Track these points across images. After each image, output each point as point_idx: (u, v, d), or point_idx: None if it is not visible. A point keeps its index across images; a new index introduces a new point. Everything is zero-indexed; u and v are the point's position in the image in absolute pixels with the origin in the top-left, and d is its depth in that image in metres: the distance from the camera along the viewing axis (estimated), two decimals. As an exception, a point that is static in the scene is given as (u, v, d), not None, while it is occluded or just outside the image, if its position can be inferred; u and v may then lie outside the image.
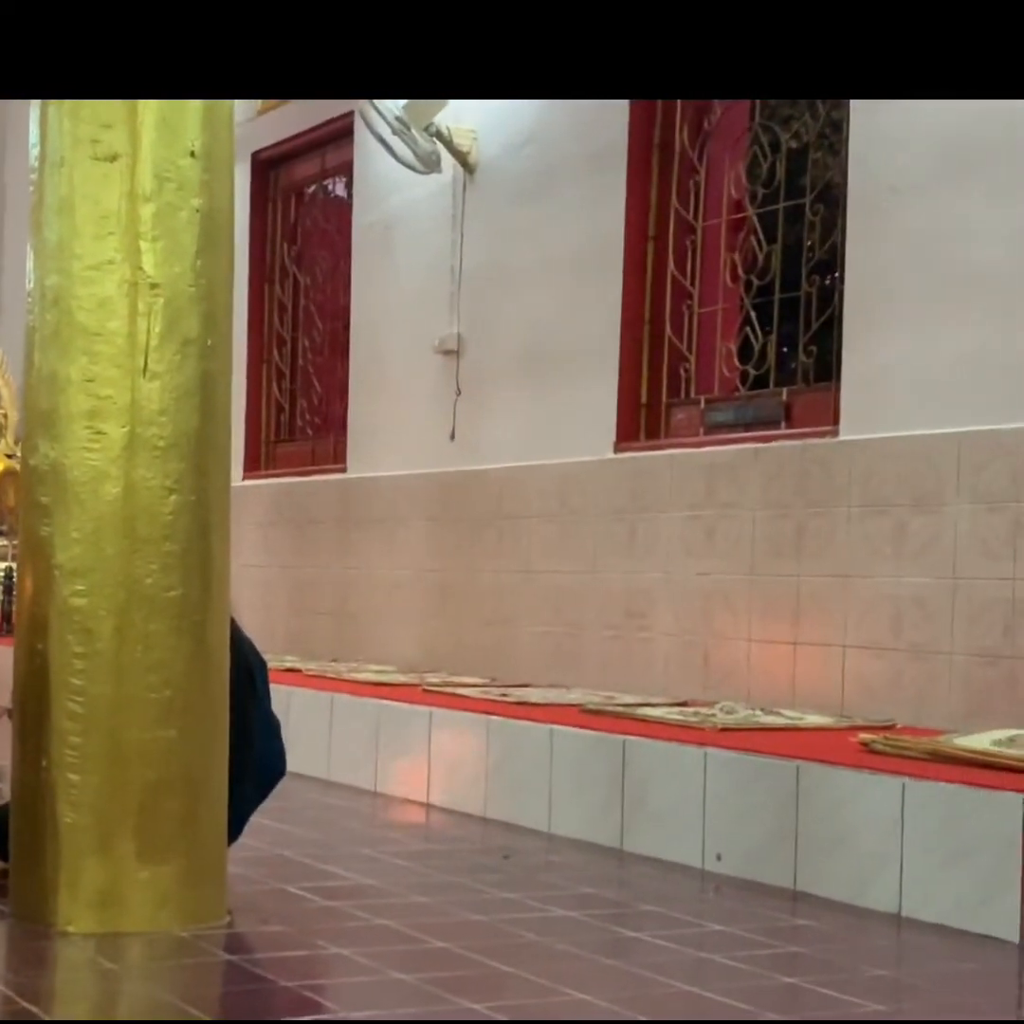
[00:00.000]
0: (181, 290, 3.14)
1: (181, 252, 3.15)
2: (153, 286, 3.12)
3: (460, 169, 6.51)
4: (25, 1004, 2.47)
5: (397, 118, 6.33)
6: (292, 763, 5.29)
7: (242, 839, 3.43)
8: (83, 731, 3.01)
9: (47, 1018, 2.41)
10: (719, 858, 3.71)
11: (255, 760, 3.32)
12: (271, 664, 6.14)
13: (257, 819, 4.05)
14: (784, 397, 5.30)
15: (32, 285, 3.20)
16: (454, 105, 6.37)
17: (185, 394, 3.14)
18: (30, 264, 3.22)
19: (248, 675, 3.40)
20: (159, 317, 3.12)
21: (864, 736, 3.85)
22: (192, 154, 3.15)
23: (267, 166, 8.07)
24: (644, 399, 5.78)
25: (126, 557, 3.07)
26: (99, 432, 3.09)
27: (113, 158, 3.10)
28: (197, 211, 3.16)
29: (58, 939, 2.89)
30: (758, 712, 4.57)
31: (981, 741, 3.68)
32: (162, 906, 3.00)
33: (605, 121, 5.76)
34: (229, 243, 3.31)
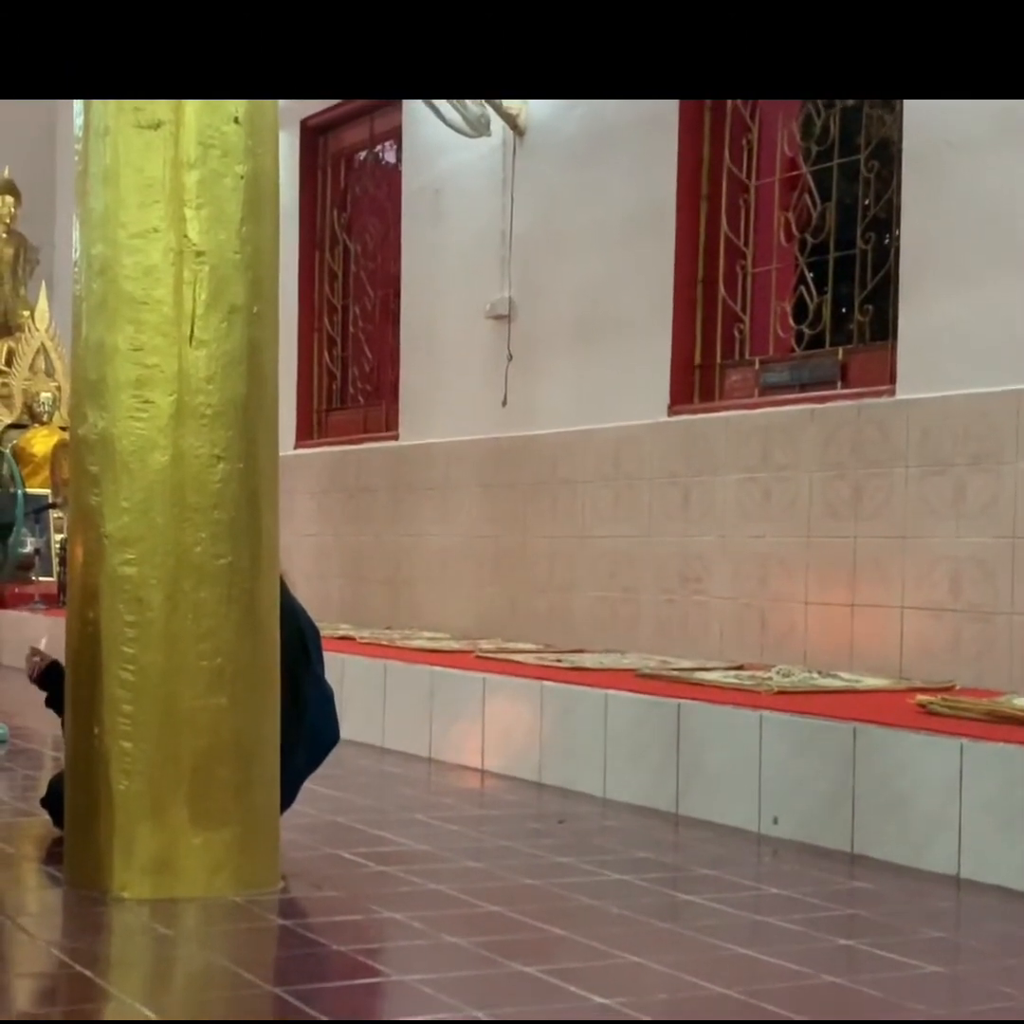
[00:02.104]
0: (226, 257, 3.13)
1: (226, 219, 3.13)
2: (198, 254, 3.10)
3: (510, 132, 6.46)
4: (80, 968, 2.49)
5: (445, 82, 6.28)
6: (346, 731, 5.30)
7: (296, 806, 3.44)
8: (135, 699, 3.02)
9: (102, 983, 2.42)
10: (776, 821, 3.67)
11: (308, 728, 3.32)
12: (325, 633, 6.14)
13: (311, 786, 4.06)
14: (840, 357, 5.23)
15: (78, 255, 3.20)
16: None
17: (232, 362, 3.13)
18: (76, 234, 3.21)
19: (301, 643, 3.40)
20: (205, 285, 3.11)
21: (922, 698, 3.80)
22: (236, 120, 3.13)
23: (315, 133, 8.05)
24: (698, 361, 5.73)
25: (175, 526, 3.07)
26: (146, 401, 3.08)
27: (156, 126, 3.09)
28: (241, 178, 3.14)
29: (113, 905, 2.91)
30: (815, 675, 4.53)
31: (1042, 702, 3.62)
32: (216, 872, 3.00)
33: (655, 80, 5.68)
34: (274, 209, 3.28)
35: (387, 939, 2.73)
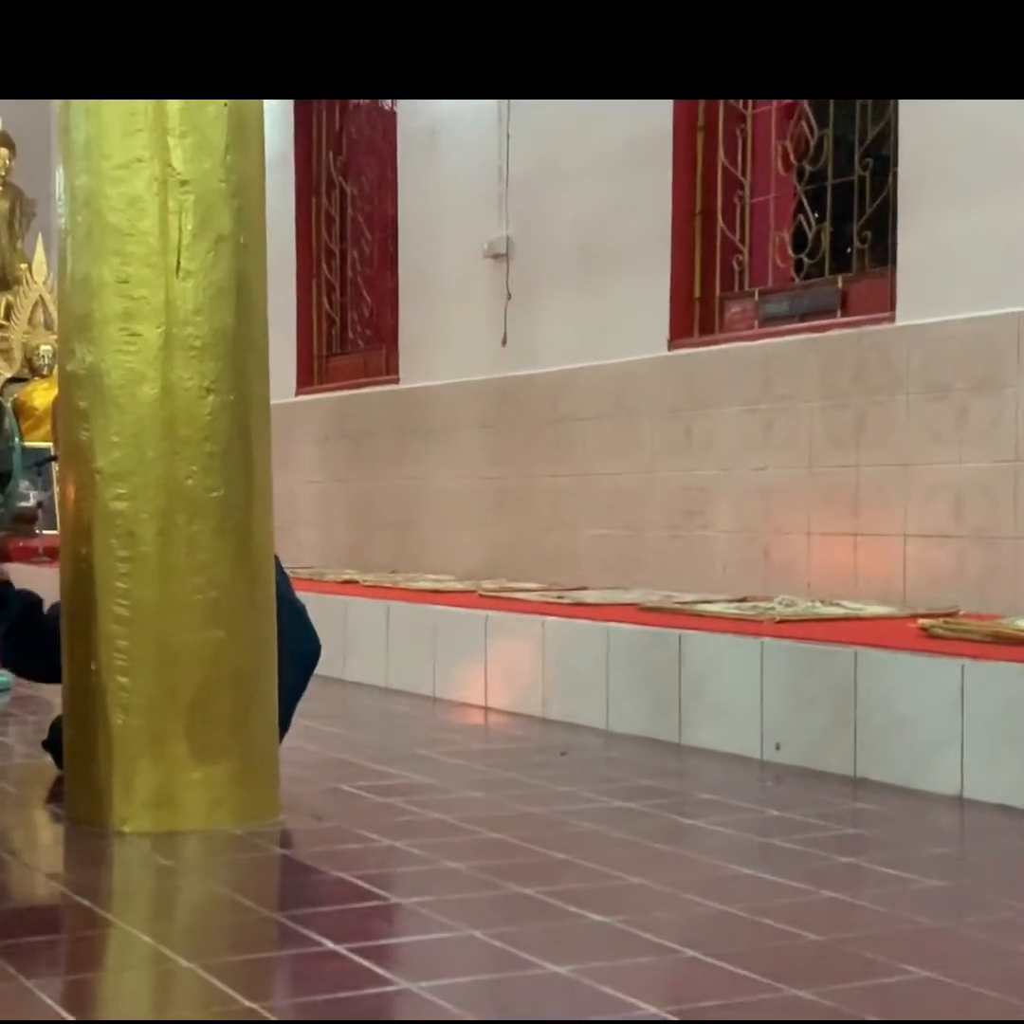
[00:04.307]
0: (212, 187, 3.08)
1: (210, 148, 3.08)
2: (183, 183, 3.06)
3: (503, 68, 6.37)
4: (81, 899, 2.48)
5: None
6: (350, 672, 5.32)
7: (297, 742, 3.43)
8: (130, 634, 3.00)
9: (103, 912, 2.41)
10: (778, 748, 3.66)
11: (288, 646, 3.27)
12: (329, 578, 6.16)
13: (313, 724, 4.07)
14: (839, 285, 5.18)
15: (62, 188, 3.16)
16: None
17: (220, 293, 3.09)
18: (59, 167, 3.17)
19: None
20: (190, 214, 3.07)
21: (924, 621, 3.78)
22: (217, 47, 3.07)
23: (310, 76, 7.95)
24: (698, 293, 5.67)
25: (166, 459, 3.04)
26: (134, 334, 3.05)
27: (138, 55, 3.03)
28: (224, 105, 3.09)
29: (114, 839, 2.90)
30: (817, 604, 4.51)
31: (1045, 622, 3.60)
32: (216, 805, 3.00)
33: (648, 9, 5.61)
34: (260, 139, 3.24)
35: (386, 865, 2.72)
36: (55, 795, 3.30)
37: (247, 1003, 1.94)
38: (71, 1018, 1.89)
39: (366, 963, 2.10)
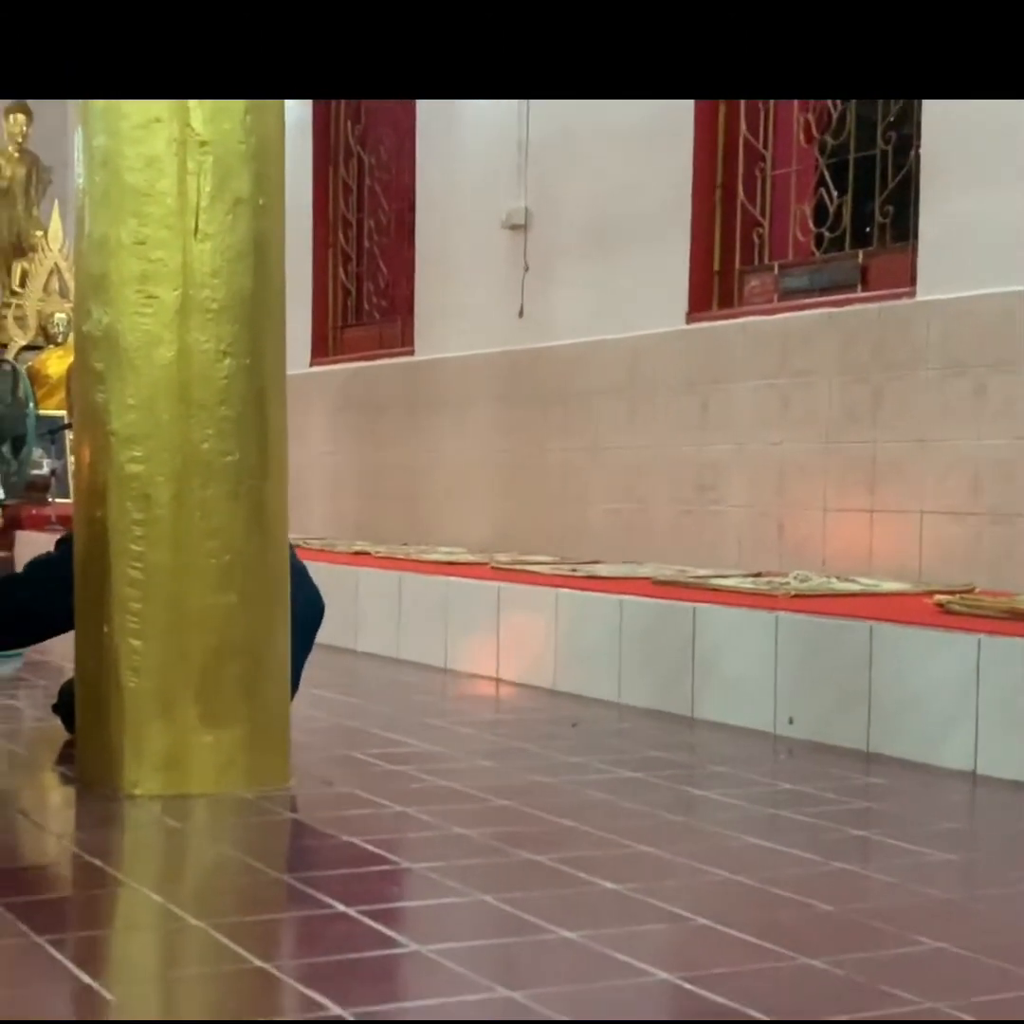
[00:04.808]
0: (231, 148, 3.06)
1: (229, 109, 3.06)
2: (202, 144, 3.04)
3: (524, 38, 6.34)
4: (90, 859, 2.48)
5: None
6: (362, 643, 5.32)
7: (307, 710, 3.43)
8: (143, 597, 3.00)
9: (113, 871, 2.41)
10: (791, 722, 3.65)
11: (293, 607, 3.25)
12: (340, 549, 6.15)
13: (323, 693, 4.07)
14: (860, 259, 5.15)
15: (80, 148, 3.14)
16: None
17: (238, 255, 3.07)
18: (77, 127, 3.16)
19: None
20: (209, 176, 3.05)
21: (940, 597, 3.76)
22: (237, 7, 3.05)
23: (329, 45, 7.92)
24: (717, 267, 5.64)
25: (182, 422, 3.03)
26: (151, 296, 3.03)
27: (157, 15, 3.01)
28: (244, 66, 3.07)
29: (124, 801, 2.90)
30: (833, 580, 4.49)
31: (1062, 600, 3.58)
32: (227, 769, 2.99)
33: (671, -21, 5.56)
34: (279, 100, 3.22)
35: (396, 831, 2.72)
36: (65, 758, 3.30)
37: (257, 962, 1.94)
38: (83, 975, 1.88)
39: (376, 925, 2.10)
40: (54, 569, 3.46)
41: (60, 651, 5.17)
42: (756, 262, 5.55)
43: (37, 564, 3.68)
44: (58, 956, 1.95)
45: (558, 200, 6.25)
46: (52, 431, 8.60)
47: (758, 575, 4.80)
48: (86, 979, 1.87)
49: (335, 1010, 1.76)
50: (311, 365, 7.88)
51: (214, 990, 1.89)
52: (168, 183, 3.03)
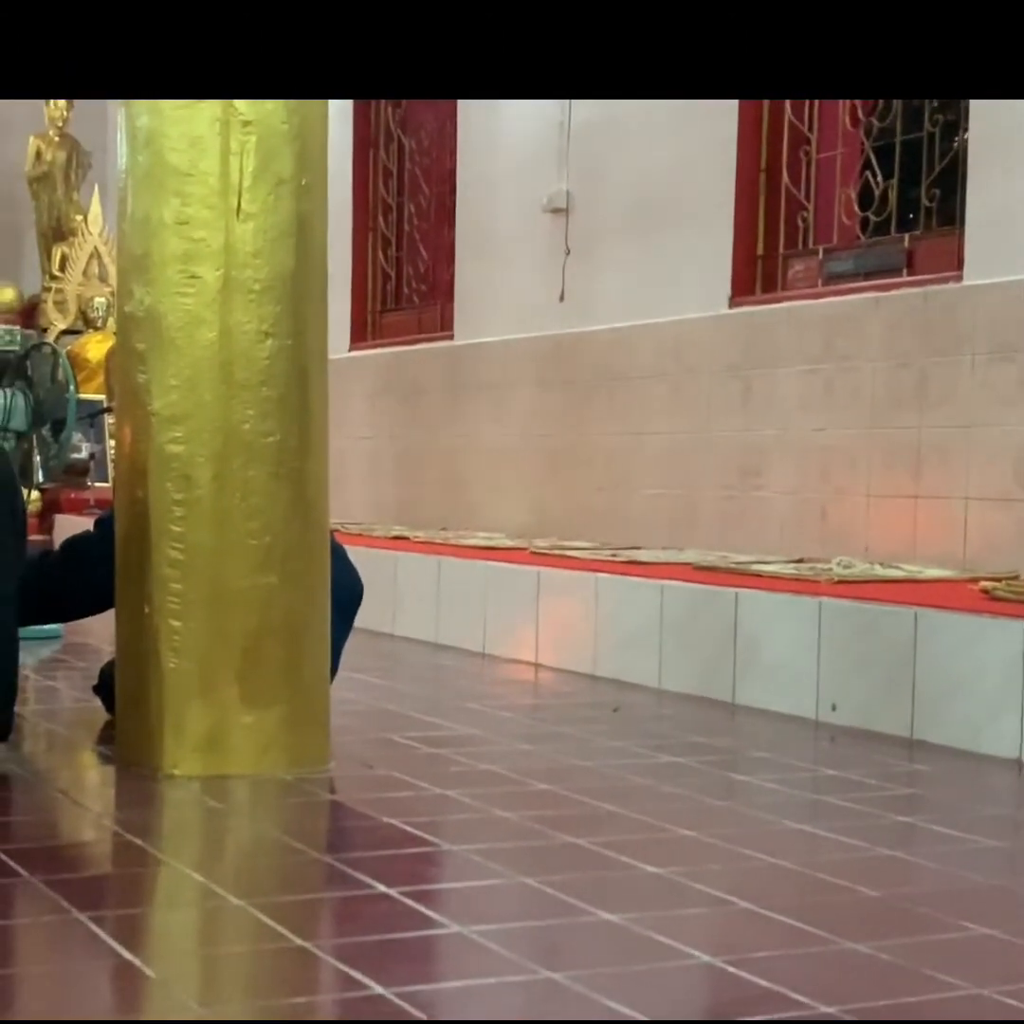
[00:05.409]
0: (274, 128, 3.05)
1: (272, 88, 3.05)
2: (245, 124, 3.03)
3: (566, 20, 6.30)
4: (131, 837, 2.49)
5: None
6: (400, 627, 5.31)
7: (346, 694, 3.42)
8: (184, 577, 3.00)
9: (154, 850, 2.41)
10: (834, 708, 3.62)
11: (333, 589, 3.23)
12: (378, 534, 6.15)
13: (362, 676, 4.06)
14: (906, 243, 5.10)
15: (123, 128, 3.14)
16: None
17: (280, 236, 3.06)
18: (121, 107, 3.15)
19: None
20: (252, 156, 3.04)
21: (985, 583, 3.72)
22: (279, -13, 3.04)
23: (370, 29, 7.90)
24: (760, 251, 5.60)
25: (223, 403, 3.02)
26: (193, 276, 3.02)
27: (201, -5, 3.00)
28: (287, 46, 3.06)
29: (164, 781, 2.90)
30: (876, 566, 4.45)
31: (1109, 587, 3.53)
32: (266, 750, 2.99)
33: (715, -39, 5.52)
34: (321, 81, 3.20)
35: (437, 813, 2.71)
36: (105, 738, 3.31)
37: (298, 941, 1.93)
38: (124, 951, 1.88)
39: (417, 906, 2.09)
40: (93, 547, 3.46)
41: (100, 633, 5.20)
42: (800, 246, 5.51)
43: (75, 542, 3.68)
44: (99, 932, 1.95)
45: (600, 183, 6.21)
46: (92, 415, 8.62)
47: (800, 561, 4.77)
48: (127, 955, 1.86)
49: (376, 989, 1.75)
50: (350, 350, 7.88)
51: (254, 968, 1.89)
52: (211, 163, 3.02)
